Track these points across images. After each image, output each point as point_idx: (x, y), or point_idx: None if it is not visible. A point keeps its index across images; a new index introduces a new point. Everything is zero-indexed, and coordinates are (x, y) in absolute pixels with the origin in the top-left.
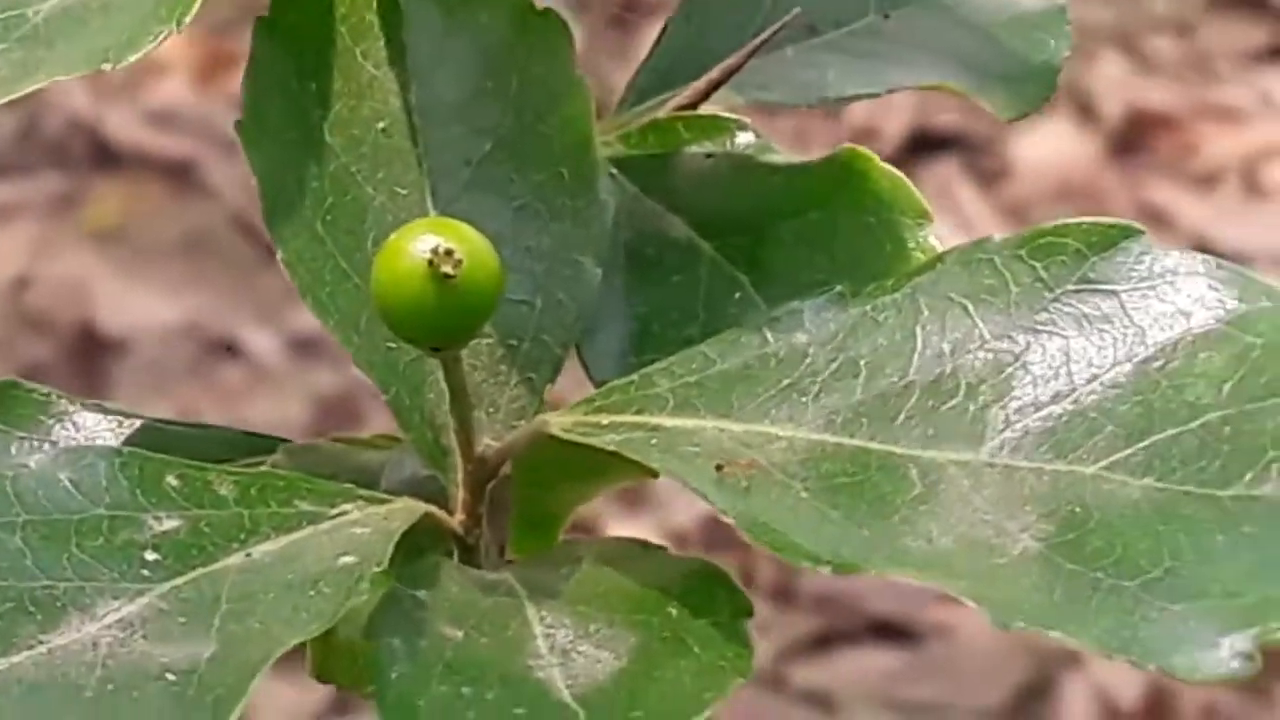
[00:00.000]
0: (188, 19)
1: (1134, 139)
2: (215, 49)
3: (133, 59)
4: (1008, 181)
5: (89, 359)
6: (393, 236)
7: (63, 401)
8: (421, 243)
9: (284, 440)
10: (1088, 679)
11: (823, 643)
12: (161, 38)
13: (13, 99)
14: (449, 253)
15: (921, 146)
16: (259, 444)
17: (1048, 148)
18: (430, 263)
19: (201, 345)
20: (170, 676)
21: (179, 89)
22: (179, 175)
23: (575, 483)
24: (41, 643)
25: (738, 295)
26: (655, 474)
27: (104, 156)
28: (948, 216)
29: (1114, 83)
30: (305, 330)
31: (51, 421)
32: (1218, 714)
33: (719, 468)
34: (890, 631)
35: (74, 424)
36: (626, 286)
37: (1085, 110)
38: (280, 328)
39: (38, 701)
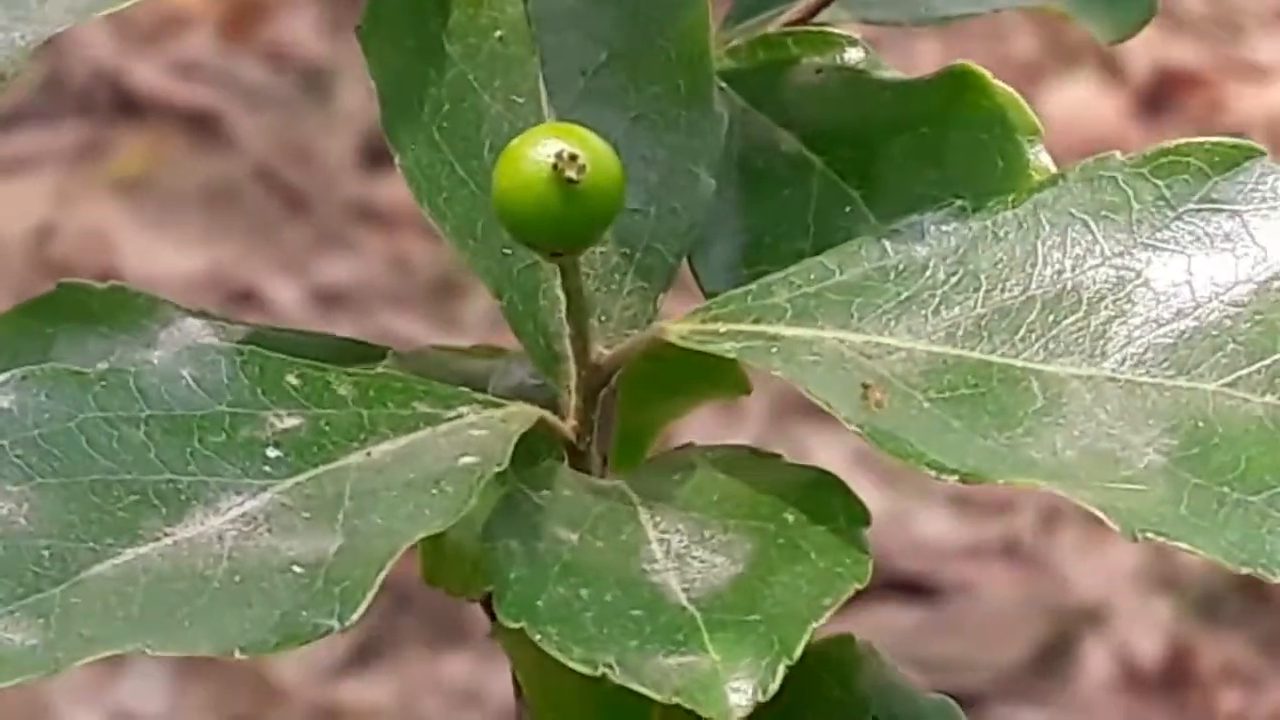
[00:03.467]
0: None
1: (1161, 96)
2: (240, 1)
3: None
4: None
5: None
6: (515, 141)
7: (168, 307)
8: (545, 147)
9: (388, 347)
10: (1108, 638)
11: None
12: None
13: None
14: (573, 157)
15: None
16: (365, 351)
17: (1075, 105)
18: (554, 167)
19: (224, 296)
20: (297, 569)
21: (203, 40)
22: (203, 126)
23: (671, 398)
24: (167, 534)
25: (848, 209)
26: (747, 391)
27: (128, 106)
28: None
29: (1141, 40)
30: (327, 281)
31: (156, 326)
32: (1237, 673)
33: (865, 387)
34: (912, 589)
35: (179, 329)
36: (738, 199)
37: (1112, 68)
38: (303, 279)
39: (165, 590)
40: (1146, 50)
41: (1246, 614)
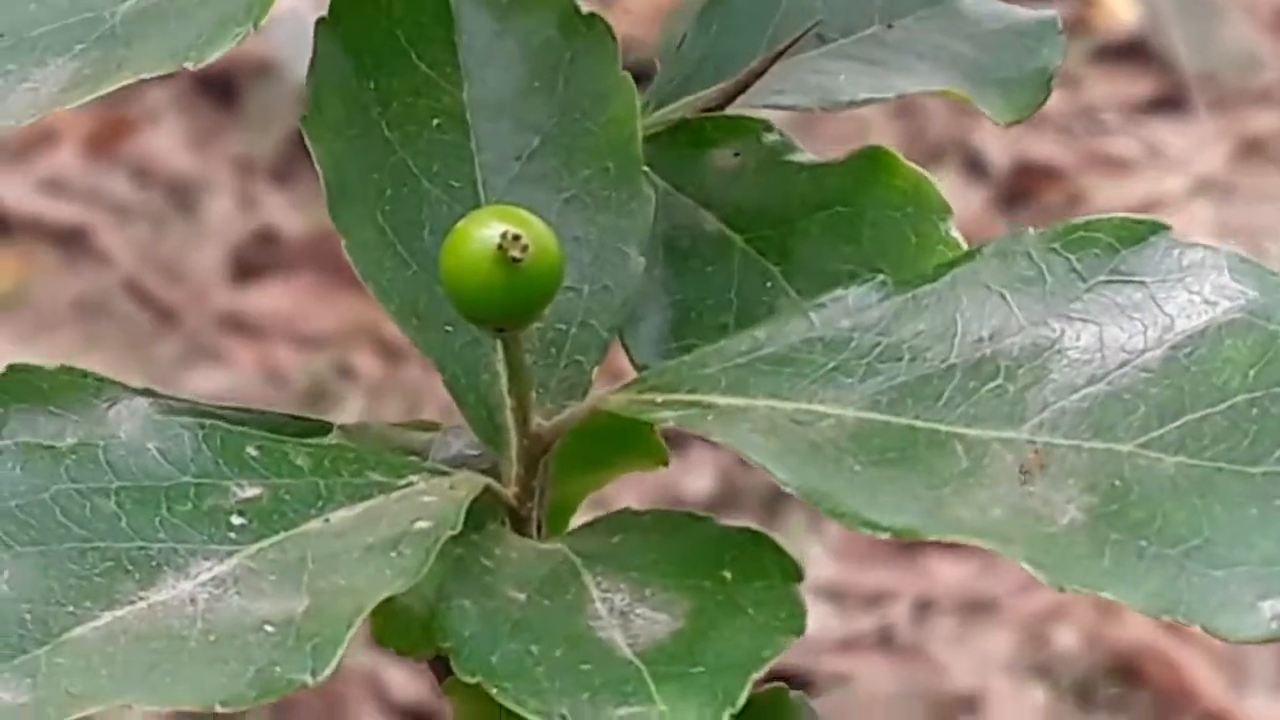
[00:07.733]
0: (264, 20)
1: (1022, 191)
2: (107, 117)
3: (213, 57)
4: None
5: None
6: (462, 223)
7: (115, 387)
8: (490, 229)
9: (330, 423)
10: None
11: None
12: (240, 37)
13: None
14: (516, 238)
15: None
16: (307, 426)
17: None
18: (499, 247)
19: None
20: (269, 628)
21: (70, 157)
22: (72, 242)
23: (595, 471)
24: (142, 599)
25: (769, 284)
26: (665, 462)
27: None
28: None
29: (1001, 135)
30: (200, 393)
31: (104, 405)
32: None
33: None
34: (790, 682)
35: (127, 408)
36: (665, 277)
37: (973, 163)
38: (175, 391)
39: (145, 649)
40: (1007, 146)
41: (1120, 699)
